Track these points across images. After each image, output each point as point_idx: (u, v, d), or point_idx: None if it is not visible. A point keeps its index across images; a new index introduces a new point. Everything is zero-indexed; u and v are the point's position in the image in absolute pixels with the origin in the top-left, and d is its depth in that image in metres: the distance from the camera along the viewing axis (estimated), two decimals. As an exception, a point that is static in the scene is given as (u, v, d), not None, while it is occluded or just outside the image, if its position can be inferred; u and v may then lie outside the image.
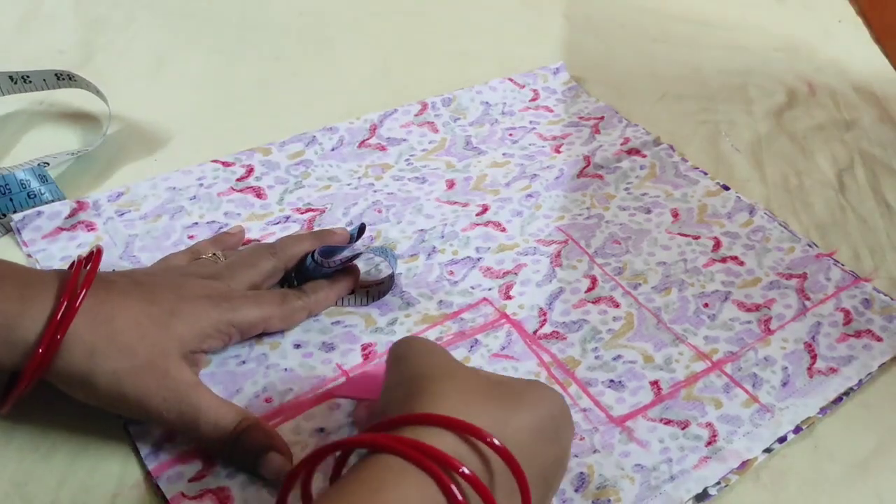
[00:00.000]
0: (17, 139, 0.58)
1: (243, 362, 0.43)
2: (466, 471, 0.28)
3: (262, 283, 0.44)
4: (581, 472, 0.39)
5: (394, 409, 0.32)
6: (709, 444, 0.41)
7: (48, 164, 0.53)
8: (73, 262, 0.38)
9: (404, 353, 0.35)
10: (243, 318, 0.41)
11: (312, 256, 0.44)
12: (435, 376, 0.33)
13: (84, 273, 0.36)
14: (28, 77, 0.59)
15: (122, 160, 0.57)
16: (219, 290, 0.41)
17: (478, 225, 0.53)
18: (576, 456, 0.39)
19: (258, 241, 0.50)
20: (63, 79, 0.59)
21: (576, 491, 0.38)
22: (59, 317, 0.34)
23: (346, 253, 0.45)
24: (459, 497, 0.28)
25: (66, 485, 0.37)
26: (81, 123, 0.60)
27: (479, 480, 0.29)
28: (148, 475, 0.38)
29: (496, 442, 0.30)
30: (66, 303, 0.35)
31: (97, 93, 0.59)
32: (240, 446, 0.37)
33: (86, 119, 0.60)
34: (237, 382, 0.42)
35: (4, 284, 0.35)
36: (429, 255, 0.50)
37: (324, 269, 0.45)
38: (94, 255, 0.38)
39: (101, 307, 0.36)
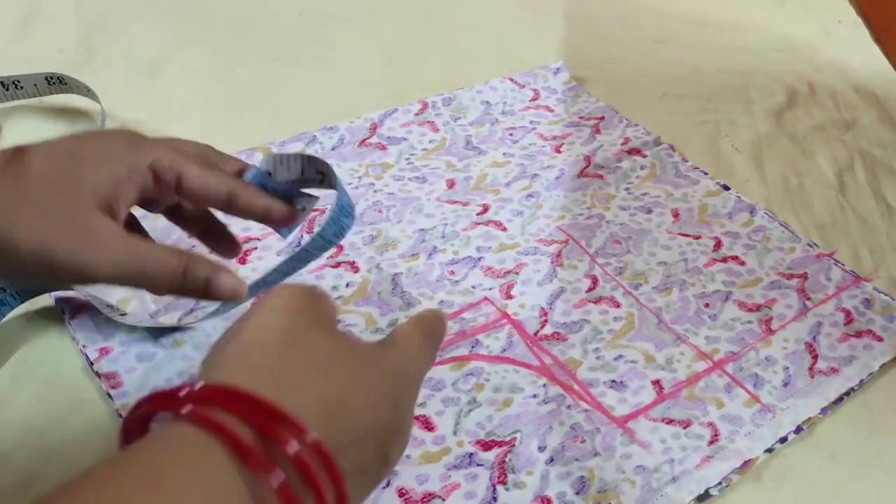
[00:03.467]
0: (15, 138, 0.58)
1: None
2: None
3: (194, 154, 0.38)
4: (581, 476, 0.39)
5: (212, 364, 0.29)
6: (711, 443, 0.41)
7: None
8: None
9: (267, 303, 0.30)
10: (157, 156, 0.35)
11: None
12: (266, 341, 0.29)
13: None
14: (19, 82, 0.59)
15: (122, 160, 0.56)
16: (132, 136, 0.36)
17: (478, 224, 0.53)
18: (576, 459, 0.39)
19: (258, 238, 0.50)
20: (53, 83, 0.59)
21: (576, 494, 0.38)
22: None
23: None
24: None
25: (66, 485, 0.37)
26: (80, 122, 0.60)
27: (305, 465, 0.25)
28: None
29: (311, 438, 0.25)
30: None
31: (88, 93, 0.59)
32: (189, 281, 0.34)
33: (84, 117, 0.60)
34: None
35: None
36: (430, 254, 0.50)
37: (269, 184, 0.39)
38: None
39: (8, 167, 0.32)
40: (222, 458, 0.24)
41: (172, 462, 0.24)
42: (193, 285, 0.35)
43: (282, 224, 0.39)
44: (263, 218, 0.38)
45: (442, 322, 0.36)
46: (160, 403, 0.26)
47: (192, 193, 0.36)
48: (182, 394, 0.26)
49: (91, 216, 0.33)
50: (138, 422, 0.27)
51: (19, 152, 0.33)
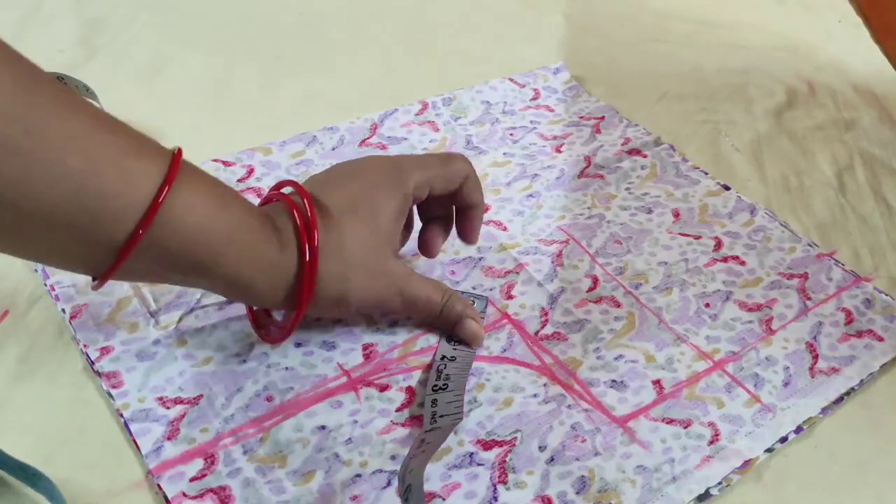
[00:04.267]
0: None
1: (244, 361, 0.43)
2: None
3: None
4: (582, 476, 0.39)
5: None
6: (711, 442, 0.41)
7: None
8: (280, 195, 0.42)
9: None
10: (414, 183, 0.43)
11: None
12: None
13: (304, 211, 0.40)
14: None
15: (123, 160, 0.56)
16: (396, 168, 0.43)
17: (479, 224, 0.53)
18: (577, 459, 0.39)
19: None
20: None
21: (577, 493, 0.38)
22: (307, 258, 0.38)
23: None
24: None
25: (66, 485, 0.37)
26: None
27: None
28: (149, 475, 0.38)
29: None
30: (308, 246, 0.39)
31: (88, 93, 0.59)
32: (444, 316, 0.44)
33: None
34: (238, 381, 0.42)
35: (261, 232, 0.38)
36: (430, 254, 0.50)
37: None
38: (306, 203, 0.39)
39: (330, 236, 0.39)
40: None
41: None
42: (446, 320, 0.44)
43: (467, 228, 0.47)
44: (464, 210, 0.47)
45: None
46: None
47: (436, 193, 0.44)
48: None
49: (392, 265, 0.42)
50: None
51: (329, 219, 0.40)
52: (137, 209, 0.33)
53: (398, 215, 0.42)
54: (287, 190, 0.42)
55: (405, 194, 0.42)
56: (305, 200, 0.39)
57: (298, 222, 0.39)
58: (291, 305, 0.40)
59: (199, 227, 0.35)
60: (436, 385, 0.41)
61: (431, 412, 0.40)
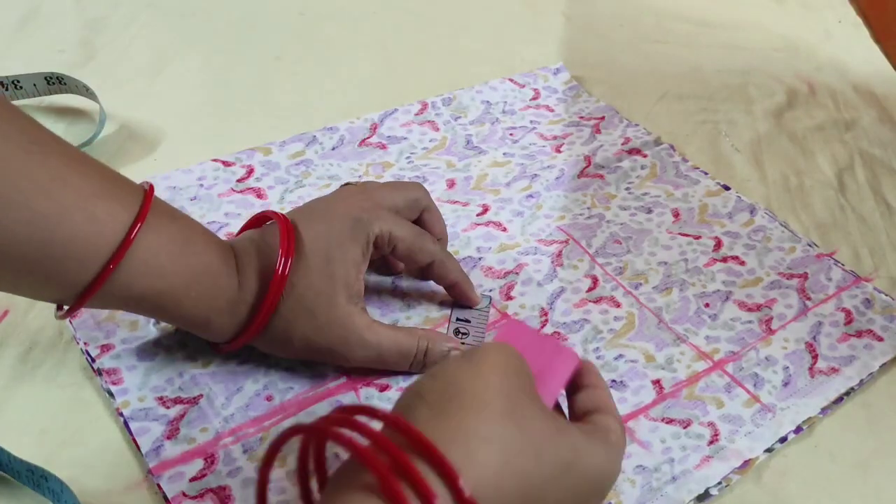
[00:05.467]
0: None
1: (244, 361, 0.43)
2: None
3: (403, 207, 0.44)
4: (582, 472, 0.39)
5: (417, 400, 0.29)
6: (711, 443, 0.41)
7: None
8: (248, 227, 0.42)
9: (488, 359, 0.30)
10: (377, 229, 0.41)
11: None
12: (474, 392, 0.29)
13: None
14: (19, 82, 0.59)
15: (122, 159, 0.57)
16: (358, 209, 0.41)
17: (479, 225, 0.53)
18: (577, 456, 0.39)
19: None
20: (53, 83, 0.59)
21: (577, 491, 0.38)
22: (268, 300, 0.38)
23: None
24: None
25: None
26: (80, 122, 0.60)
27: None
28: (149, 474, 0.38)
29: (465, 493, 0.26)
30: (275, 282, 0.38)
31: (88, 93, 0.59)
32: (429, 359, 0.42)
33: (84, 118, 0.60)
34: (238, 381, 0.42)
35: (222, 273, 0.39)
36: (429, 254, 0.50)
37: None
38: (288, 247, 0.39)
39: (282, 283, 0.39)
40: None
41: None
42: (432, 363, 0.42)
43: (461, 301, 0.46)
44: (448, 288, 0.46)
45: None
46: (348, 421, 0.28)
47: (399, 256, 0.42)
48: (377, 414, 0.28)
49: (343, 314, 0.40)
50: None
51: (298, 257, 0.39)
52: (103, 254, 0.35)
53: (355, 266, 0.40)
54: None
55: (365, 244, 0.41)
56: (288, 239, 0.39)
57: (276, 260, 0.39)
58: (241, 338, 0.40)
59: (162, 272, 0.37)
60: None
61: None
